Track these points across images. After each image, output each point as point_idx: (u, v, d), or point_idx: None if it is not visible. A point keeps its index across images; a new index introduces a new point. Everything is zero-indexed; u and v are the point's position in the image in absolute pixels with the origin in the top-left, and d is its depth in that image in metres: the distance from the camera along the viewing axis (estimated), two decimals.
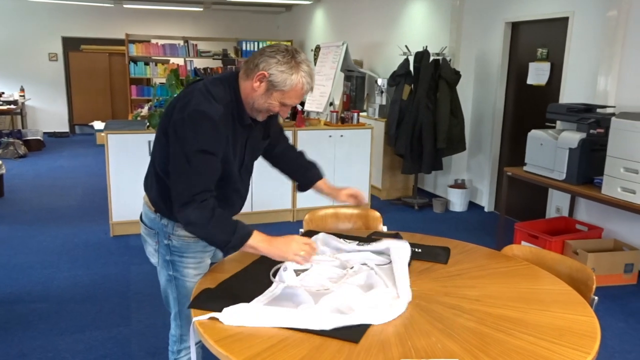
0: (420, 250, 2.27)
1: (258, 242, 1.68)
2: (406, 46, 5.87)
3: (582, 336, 1.57)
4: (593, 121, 3.68)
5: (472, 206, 5.85)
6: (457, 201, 5.73)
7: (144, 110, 6.86)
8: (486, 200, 5.72)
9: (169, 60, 9.99)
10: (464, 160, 5.92)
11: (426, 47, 5.55)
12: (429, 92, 5.40)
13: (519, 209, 5.32)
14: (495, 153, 5.56)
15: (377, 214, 2.90)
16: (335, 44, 6.65)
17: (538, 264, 2.27)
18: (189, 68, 9.83)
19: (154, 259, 1.94)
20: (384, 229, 2.91)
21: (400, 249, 2.04)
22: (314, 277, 1.85)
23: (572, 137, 3.73)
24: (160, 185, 1.82)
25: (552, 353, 1.47)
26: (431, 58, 5.47)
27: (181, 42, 9.82)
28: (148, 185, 1.91)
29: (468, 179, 5.92)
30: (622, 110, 3.89)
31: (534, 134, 4.08)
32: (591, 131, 3.69)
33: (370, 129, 5.42)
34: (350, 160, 5.35)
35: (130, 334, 3.05)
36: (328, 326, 1.53)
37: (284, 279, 1.74)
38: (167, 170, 1.73)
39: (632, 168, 3.26)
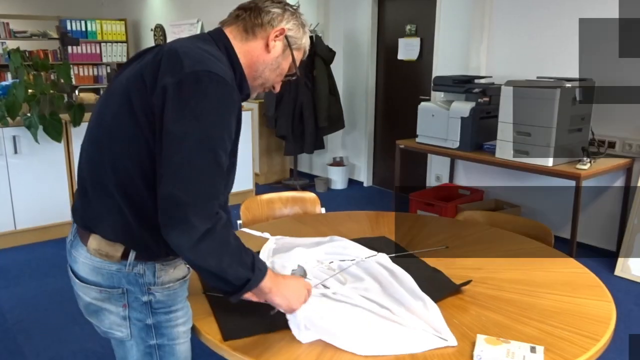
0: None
1: (269, 284, 1.27)
2: None
3: (592, 287, 1.69)
4: (480, 91, 3.94)
5: (352, 182, 5.96)
6: (338, 179, 5.78)
7: None
8: (365, 176, 5.86)
9: None
10: (339, 138, 5.97)
11: None
12: (306, 70, 5.30)
13: (393, 180, 5.53)
14: (370, 129, 5.71)
15: (314, 195, 2.75)
16: (188, 22, 6.19)
17: (495, 226, 2.33)
18: (4, 53, 8.33)
19: (121, 332, 1.33)
20: (323, 210, 2.76)
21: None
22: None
23: (464, 107, 3.95)
24: (136, 205, 1.23)
25: (577, 305, 1.56)
26: None
27: None
28: (96, 216, 1.27)
29: (345, 156, 6.00)
30: (497, 79, 4.24)
31: (424, 106, 4.24)
32: (479, 100, 3.95)
33: (250, 110, 5.15)
34: None
35: None
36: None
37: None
38: (148, 174, 1.20)
39: (525, 131, 3.56)
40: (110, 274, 1.28)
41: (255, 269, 1.22)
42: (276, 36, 1.33)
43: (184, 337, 1.38)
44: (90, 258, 1.28)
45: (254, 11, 1.32)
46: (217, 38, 1.32)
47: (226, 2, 7.72)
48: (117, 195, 1.22)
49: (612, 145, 3.76)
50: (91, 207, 1.28)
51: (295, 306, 1.33)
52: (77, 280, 1.33)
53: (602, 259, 3.83)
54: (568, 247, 3.47)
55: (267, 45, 1.33)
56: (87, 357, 2.59)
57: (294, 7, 1.38)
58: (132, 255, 1.27)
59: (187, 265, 1.38)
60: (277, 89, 1.45)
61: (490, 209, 4.42)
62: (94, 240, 1.27)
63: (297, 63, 1.40)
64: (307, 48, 1.44)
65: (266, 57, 1.34)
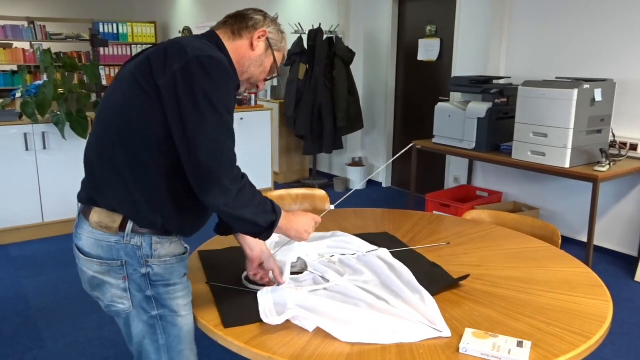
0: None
1: (284, 222, 1.45)
2: (299, 24, 5.75)
3: (591, 286, 1.68)
4: (497, 91, 3.92)
5: (370, 183, 5.98)
6: (357, 179, 5.82)
7: (17, 98, 5.85)
8: (383, 177, 5.88)
9: (11, 45, 8.68)
10: (358, 138, 6.01)
11: (320, 24, 5.49)
12: (325, 71, 5.35)
13: (415, 182, 5.53)
14: (389, 130, 5.72)
15: (323, 192, 2.79)
16: (212, 24, 6.30)
17: (502, 226, 2.33)
18: (37, 53, 8.63)
19: (122, 305, 1.42)
20: (332, 207, 2.80)
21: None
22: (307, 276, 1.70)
23: (480, 108, 3.94)
24: (139, 178, 1.35)
25: (572, 304, 1.56)
26: (325, 36, 5.42)
27: (25, 24, 8.59)
28: (100, 187, 1.40)
29: (364, 157, 6.02)
30: (516, 80, 4.21)
31: (441, 107, 4.24)
32: (496, 101, 3.93)
33: (270, 110, 5.23)
34: (252, 144, 5.12)
35: (48, 356, 2.57)
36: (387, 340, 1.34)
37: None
38: (154, 147, 1.33)
39: (541, 132, 3.54)
40: (110, 246, 1.39)
41: (277, 211, 1.42)
42: (259, 37, 1.52)
43: (185, 310, 1.46)
44: (92, 232, 1.40)
45: (239, 18, 1.54)
46: (210, 37, 1.50)
47: (251, 5, 7.87)
48: (123, 169, 1.36)
49: (634, 147, 3.70)
50: (96, 182, 1.41)
51: (304, 237, 1.52)
52: (81, 255, 1.44)
53: (622, 264, 3.76)
54: (585, 250, 3.42)
55: (251, 45, 1.52)
56: (103, 344, 2.69)
57: (274, 17, 1.59)
58: (129, 226, 1.38)
59: (185, 245, 1.51)
60: (261, 87, 1.63)
61: (509, 210, 4.39)
62: (95, 214, 1.40)
63: (278, 63, 1.59)
64: (286, 52, 1.64)
65: (251, 54, 1.53)
